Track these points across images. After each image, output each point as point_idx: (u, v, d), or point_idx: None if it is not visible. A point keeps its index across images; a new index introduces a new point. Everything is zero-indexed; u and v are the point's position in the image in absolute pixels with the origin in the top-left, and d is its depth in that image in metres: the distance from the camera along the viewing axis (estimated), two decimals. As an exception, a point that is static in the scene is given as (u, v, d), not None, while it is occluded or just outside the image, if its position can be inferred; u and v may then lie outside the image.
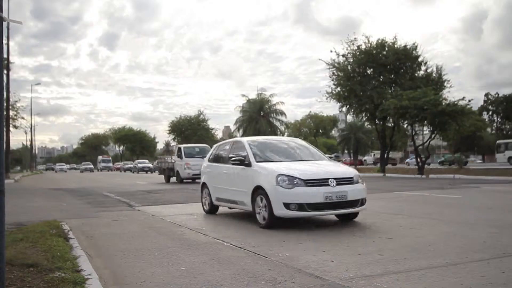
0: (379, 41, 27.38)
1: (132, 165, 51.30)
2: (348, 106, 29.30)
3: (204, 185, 8.94)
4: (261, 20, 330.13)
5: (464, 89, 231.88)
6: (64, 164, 77.77)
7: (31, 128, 58.86)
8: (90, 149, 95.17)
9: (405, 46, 27.16)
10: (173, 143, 68.68)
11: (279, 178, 6.40)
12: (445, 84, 27.05)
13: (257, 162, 7.11)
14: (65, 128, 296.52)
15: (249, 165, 7.15)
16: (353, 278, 3.82)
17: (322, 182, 6.41)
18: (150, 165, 45.41)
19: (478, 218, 7.22)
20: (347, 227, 6.56)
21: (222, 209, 8.85)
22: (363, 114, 29.61)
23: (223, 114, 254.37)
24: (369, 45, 27.41)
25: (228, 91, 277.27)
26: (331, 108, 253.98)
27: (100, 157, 71.64)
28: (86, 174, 49.55)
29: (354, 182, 6.71)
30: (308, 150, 8.05)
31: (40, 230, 6.11)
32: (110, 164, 67.05)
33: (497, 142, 38.44)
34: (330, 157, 9.28)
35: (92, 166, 62.56)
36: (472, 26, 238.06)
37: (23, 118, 33.86)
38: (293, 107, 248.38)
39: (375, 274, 3.91)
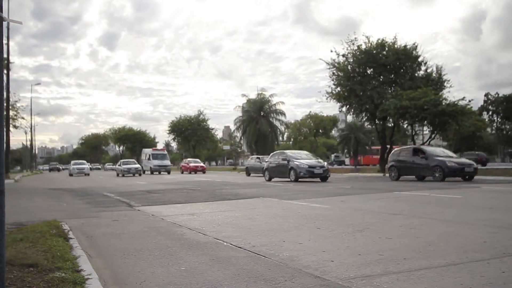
0: (379, 41, 27.40)
1: (255, 161, 30.32)
2: (348, 106, 29.32)
3: None
4: (261, 20, 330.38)
5: (464, 89, 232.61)
6: (84, 162, 46.10)
7: (31, 128, 59.08)
8: (90, 149, 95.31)
9: (405, 46, 27.20)
10: (173, 143, 66.40)
11: None
12: (445, 84, 27.13)
13: None
14: (65, 128, 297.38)
15: None
16: (353, 278, 3.82)
17: None
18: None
19: (478, 218, 7.22)
20: (347, 228, 6.56)
21: (217, 208, 8.81)
22: (363, 114, 29.63)
23: (223, 114, 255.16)
24: (369, 45, 27.43)
25: (228, 91, 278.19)
26: (331, 108, 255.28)
27: (148, 151, 44.94)
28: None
29: None
30: None
31: (40, 230, 6.10)
32: (168, 162, 42.64)
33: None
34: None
35: (138, 166, 37.95)
36: (471, 27, 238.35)
37: (23, 118, 33.87)
38: (293, 107, 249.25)
39: (375, 274, 3.91)
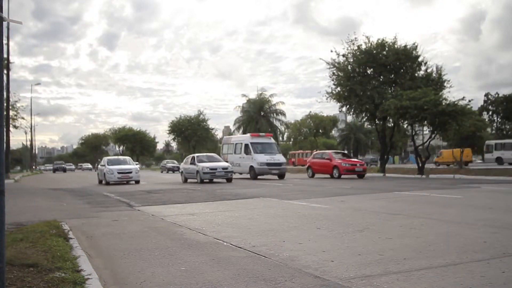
0: (379, 41, 27.38)
1: None
2: (348, 106, 29.28)
3: None
4: (261, 20, 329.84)
5: (464, 89, 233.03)
6: (128, 159, 25.31)
7: (31, 128, 59.03)
8: (90, 149, 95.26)
9: (405, 46, 27.17)
10: (173, 143, 65.16)
11: None
12: (445, 84, 27.10)
13: None
14: (65, 128, 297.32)
15: None
16: (353, 278, 3.82)
17: None
18: None
19: (478, 218, 7.22)
20: (347, 228, 6.56)
21: (217, 208, 8.81)
22: (363, 114, 29.60)
23: (223, 114, 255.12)
24: (369, 45, 27.41)
25: (228, 91, 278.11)
26: (331, 108, 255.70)
27: (242, 139, 26.52)
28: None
29: None
30: None
31: (40, 230, 6.11)
32: (281, 157, 24.43)
33: (486, 142, 39.19)
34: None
35: (226, 164, 22.54)
36: (471, 27, 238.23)
37: (23, 118, 33.78)
38: (293, 107, 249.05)
39: (375, 274, 3.91)
